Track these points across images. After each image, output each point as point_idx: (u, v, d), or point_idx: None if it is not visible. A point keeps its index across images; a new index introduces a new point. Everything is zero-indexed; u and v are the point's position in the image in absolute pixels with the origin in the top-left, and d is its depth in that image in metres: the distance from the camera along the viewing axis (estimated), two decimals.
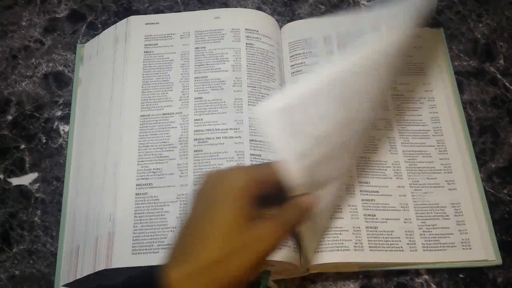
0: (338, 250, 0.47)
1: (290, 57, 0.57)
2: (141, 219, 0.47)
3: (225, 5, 0.62)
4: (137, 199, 0.48)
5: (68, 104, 0.56)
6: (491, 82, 0.59)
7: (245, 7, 0.62)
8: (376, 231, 0.49)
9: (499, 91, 0.58)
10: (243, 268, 0.32)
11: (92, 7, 0.63)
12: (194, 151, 0.50)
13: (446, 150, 0.53)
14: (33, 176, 0.53)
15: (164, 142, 0.51)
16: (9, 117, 0.56)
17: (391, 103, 0.56)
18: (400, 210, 0.50)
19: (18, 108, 0.56)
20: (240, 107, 0.52)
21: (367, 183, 0.51)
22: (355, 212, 0.49)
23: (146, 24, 0.58)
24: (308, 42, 0.57)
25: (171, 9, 0.62)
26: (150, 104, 0.53)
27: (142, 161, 0.50)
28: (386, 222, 0.49)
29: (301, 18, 0.62)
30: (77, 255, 0.48)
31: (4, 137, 0.55)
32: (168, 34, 0.57)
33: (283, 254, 0.45)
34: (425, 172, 0.52)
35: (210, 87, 0.53)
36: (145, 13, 0.61)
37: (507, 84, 0.59)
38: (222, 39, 0.56)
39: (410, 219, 0.50)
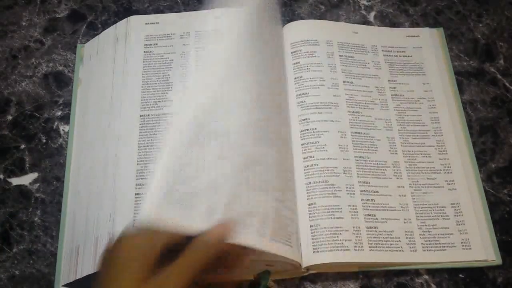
0: (338, 250, 0.47)
1: (292, 57, 0.57)
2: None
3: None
4: (137, 199, 0.48)
5: (68, 104, 0.57)
6: (491, 82, 0.59)
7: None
8: (376, 231, 0.49)
9: (499, 91, 0.58)
10: None
11: (92, 7, 0.63)
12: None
13: (446, 150, 0.53)
14: (33, 176, 0.53)
15: None
16: (9, 117, 0.56)
17: (390, 103, 0.56)
18: (400, 210, 0.50)
19: (18, 108, 0.56)
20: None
21: (367, 183, 0.51)
22: (355, 212, 0.49)
23: (146, 24, 0.58)
24: (309, 42, 0.57)
25: (171, 9, 0.62)
26: (150, 104, 0.53)
27: (142, 161, 0.50)
28: (386, 222, 0.49)
29: (301, 18, 0.62)
30: (77, 255, 0.48)
31: (4, 137, 0.55)
32: (168, 34, 0.57)
33: (289, 252, 0.45)
34: (425, 172, 0.52)
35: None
36: (145, 13, 0.61)
37: (507, 84, 0.59)
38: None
39: (410, 219, 0.50)
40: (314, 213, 0.49)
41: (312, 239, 0.48)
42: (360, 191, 0.50)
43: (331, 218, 0.49)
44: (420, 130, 0.54)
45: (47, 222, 0.51)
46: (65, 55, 0.59)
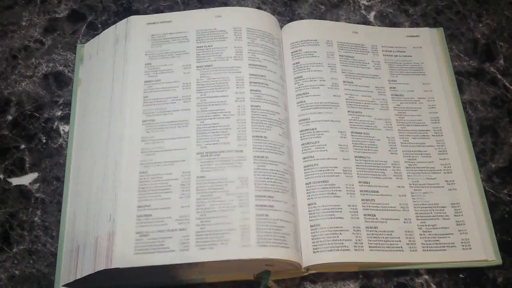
0: (338, 250, 0.47)
1: (292, 57, 0.57)
2: (143, 219, 0.47)
3: (225, 5, 0.63)
4: (137, 198, 0.48)
5: (68, 104, 0.57)
6: (491, 82, 0.59)
7: (245, 7, 0.62)
8: (376, 231, 0.49)
9: (499, 91, 0.58)
10: None
11: (92, 7, 0.63)
12: (197, 152, 0.50)
13: (446, 150, 0.53)
14: (33, 176, 0.53)
15: None
16: (9, 117, 0.56)
17: (390, 103, 0.56)
18: (400, 210, 0.50)
19: (18, 108, 0.56)
20: (243, 108, 0.52)
21: (367, 183, 0.51)
22: (355, 212, 0.49)
23: (146, 24, 0.57)
24: (309, 43, 0.57)
25: (171, 9, 0.62)
26: (150, 104, 0.53)
27: (142, 161, 0.50)
28: (386, 222, 0.49)
29: (301, 18, 0.62)
30: (77, 255, 0.48)
31: (4, 137, 0.55)
32: (168, 34, 0.57)
33: (283, 253, 0.45)
34: (425, 172, 0.52)
35: (213, 86, 0.53)
36: (145, 13, 0.61)
37: (507, 84, 0.59)
38: (224, 38, 0.56)
39: (410, 219, 0.50)
40: (314, 213, 0.49)
41: (312, 239, 0.48)
42: (360, 191, 0.50)
43: (331, 218, 0.49)
44: (420, 130, 0.54)
45: (47, 222, 0.51)
46: (65, 55, 0.59)
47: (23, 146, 0.55)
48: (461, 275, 0.49)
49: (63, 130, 0.55)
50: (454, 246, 0.49)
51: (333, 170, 0.51)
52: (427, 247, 0.48)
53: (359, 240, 0.48)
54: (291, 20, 0.61)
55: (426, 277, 0.49)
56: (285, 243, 0.46)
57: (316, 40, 0.58)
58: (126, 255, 0.46)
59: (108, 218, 0.48)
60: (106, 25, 0.61)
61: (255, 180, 0.49)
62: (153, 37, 0.57)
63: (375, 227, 0.49)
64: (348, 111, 0.54)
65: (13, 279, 0.49)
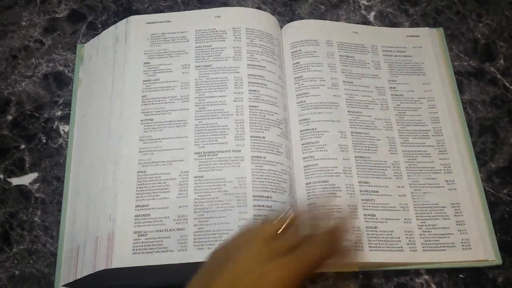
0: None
1: (292, 57, 0.57)
2: (141, 219, 0.47)
3: (225, 5, 0.62)
4: (137, 199, 0.48)
5: (68, 104, 0.57)
6: (491, 82, 0.59)
7: (245, 7, 0.62)
8: (376, 231, 0.49)
9: (499, 91, 0.58)
10: None
11: (92, 7, 0.63)
12: (195, 152, 0.50)
13: (446, 150, 0.53)
14: (33, 176, 0.53)
15: None
16: (9, 117, 0.56)
17: (390, 103, 0.56)
18: (400, 210, 0.50)
19: (18, 108, 0.56)
20: (241, 108, 0.52)
21: (367, 183, 0.51)
22: (355, 212, 0.49)
23: (146, 23, 0.58)
24: (309, 42, 0.57)
25: (171, 9, 0.62)
26: (150, 104, 0.53)
27: (142, 161, 0.50)
28: (386, 222, 0.49)
29: (301, 18, 0.62)
30: (77, 255, 0.48)
31: (4, 137, 0.55)
32: (168, 34, 0.57)
33: None
34: (425, 172, 0.52)
35: (211, 86, 0.53)
36: (145, 13, 0.61)
37: (507, 84, 0.59)
38: (223, 38, 0.56)
39: (410, 219, 0.50)
40: None
41: None
42: (360, 191, 0.50)
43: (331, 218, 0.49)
44: (420, 130, 0.54)
45: (47, 222, 0.51)
46: (65, 55, 0.59)
47: (23, 146, 0.55)
48: (461, 275, 0.49)
49: (63, 130, 0.55)
50: (454, 246, 0.49)
51: (333, 170, 0.51)
52: (427, 247, 0.48)
53: (359, 240, 0.48)
54: (291, 20, 0.61)
55: (426, 277, 0.49)
56: None
57: (316, 40, 0.58)
58: (125, 255, 0.46)
59: (108, 218, 0.48)
60: (106, 25, 0.61)
61: (253, 180, 0.49)
62: (152, 37, 0.57)
63: (375, 227, 0.49)
64: (348, 111, 0.54)
65: (13, 279, 0.49)
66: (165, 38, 0.57)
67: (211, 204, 0.48)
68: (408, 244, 0.48)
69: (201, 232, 0.47)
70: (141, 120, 0.52)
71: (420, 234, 0.49)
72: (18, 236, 0.50)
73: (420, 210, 0.50)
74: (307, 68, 0.56)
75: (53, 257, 0.49)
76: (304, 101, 0.54)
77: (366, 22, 0.62)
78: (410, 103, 0.56)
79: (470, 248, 0.49)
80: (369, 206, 0.50)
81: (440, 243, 0.49)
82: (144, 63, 0.55)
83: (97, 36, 0.59)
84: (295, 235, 0.38)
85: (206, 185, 0.49)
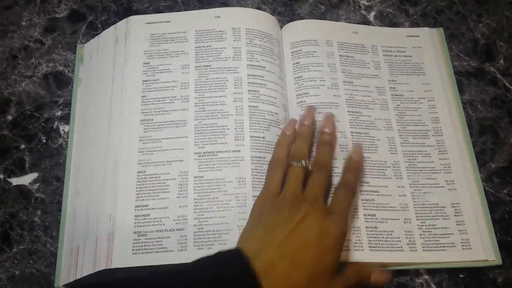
0: None
1: (292, 57, 0.57)
2: (141, 219, 0.47)
3: (225, 5, 0.62)
4: (137, 199, 0.48)
5: (68, 104, 0.57)
6: (491, 82, 0.59)
7: (245, 7, 0.62)
8: (376, 231, 0.49)
9: (499, 91, 0.58)
10: None
11: (92, 7, 0.63)
12: (194, 152, 0.50)
13: (446, 150, 0.53)
14: (33, 176, 0.53)
15: None
16: (9, 117, 0.56)
17: (390, 103, 0.56)
18: (400, 210, 0.50)
19: (18, 108, 0.56)
20: (240, 108, 0.52)
21: (367, 183, 0.51)
22: (355, 212, 0.49)
23: (146, 24, 0.58)
24: (309, 42, 0.57)
25: (171, 9, 0.62)
26: (150, 104, 0.53)
27: (142, 161, 0.50)
28: (386, 222, 0.49)
29: (301, 18, 0.62)
30: (77, 255, 0.48)
31: (4, 137, 0.55)
32: (168, 34, 0.57)
33: None
34: (425, 172, 0.52)
35: (211, 86, 0.53)
36: (145, 13, 0.61)
37: (507, 84, 0.59)
38: (223, 38, 0.56)
39: (410, 219, 0.50)
40: None
41: None
42: (360, 191, 0.50)
43: None
44: (420, 130, 0.54)
45: (47, 222, 0.51)
46: (65, 55, 0.59)
47: (23, 146, 0.55)
48: (461, 275, 0.49)
49: (63, 130, 0.55)
50: (454, 246, 0.49)
51: (333, 170, 0.51)
52: (427, 247, 0.48)
53: (359, 240, 0.48)
54: (291, 20, 0.61)
55: (426, 277, 0.49)
56: None
57: (316, 40, 0.58)
58: (125, 255, 0.46)
59: (108, 218, 0.48)
60: (106, 25, 0.61)
61: (253, 181, 0.49)
62: (152, 37, 0.57)
63: (375, 227, 0.49)
64: (348, 111, 0.54)
65: (13, 279, 0.49)
66: (165, 38, 0.57)
67: (211, 204, 0.48)
68: (408, 244, 0.48)
69: (201, 232, 0.47)
70: (141, 120, 0.52)
71: (420, 234, 0.49)
72: (18, 236, 0.50)
73: (420, 210, 0.50)
74: (307, 68, 0.56)
75: (53, 257, 0.49)
76: (304, 101, 0.54)
77: (366, 22, 0.62)
78: (410, 103, 0.56)
79: (470, 248, 0.49)
80: (369, 206, 0.50)
81: (440, 243, 0.49)
82: (144, 63, 0.55)
83: (97, 36, 0.59)
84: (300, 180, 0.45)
85: (206, 185, 0.49)
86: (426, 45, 0.59)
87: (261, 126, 0.51)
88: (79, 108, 0.56)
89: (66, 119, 0.56)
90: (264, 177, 0.49)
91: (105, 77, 0.55)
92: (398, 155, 0.53)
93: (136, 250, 0.46)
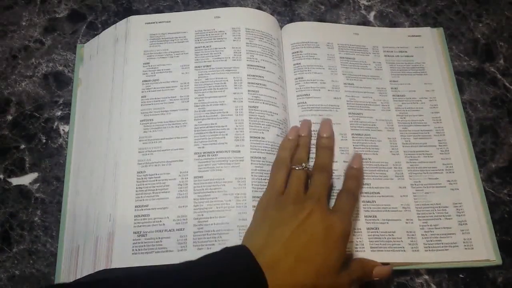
0: None
1: (292, 57, 0.57)
2: (140, 219, 0.47)
3: (225, 5, 0.62)
4: (137, 199, 0.48)
5: (68, 104, 0.56)
6: (491, 82, 0.59)
7: (245, 7, 0.62)
8: (377, 232, 0.49)
9: (499, 91, 0.58)
10: None
11: (92, 7, 0.63)
12: (194, 152, 0.50)
13: (448, 150, 0.53)
14: (33, 176, 0.53)
15: None
16: (9, 117, 0.56)
17: (392, 103, 0.56)
18: (401, 210, 0.50)
19: (18, 108, 0.56)
20: (240, 108, 0.52)
21: (368, 184, 0.51)
22: (356, 214, 0.49)
23: (146, 24, 0.58)
24: (309, 45, 0.57)
25: (171, 9, 0.62)
26: (150, 104, 0.53)
27: (142, 161, 0.50)
28: (387, 223, 0.49)
29: (301, 18, 0.62)
30: (77, 255, 0.48)
31: (4, 137, 0.55)
32: (168, 34, 0.57)
33: None
34: (426, 172, 0.52)
35: (211, 87, 0.53)
36: (145, 13, 0.61)
37: (507, 84, 0.59)
38: (223, 38, 0.56)
39: (411, 220, 0.50)
40: None
41: None
42: (361, 192, 0.50)
43: None
44: (422, 130, 0.54)
45: (47, 222, 0.51)
46: (65, 55, 0.59)
47: (23, 146, 0.54)
48: (461, 275, 0.49)
49: (63, 130, 0.55)
50: (457, 246, 0.48)
51: (334, 172, 0.51)
52: (429, 247, 0.48)
53: (360, 241, 0.48)
54: (291, 20, 0.61)
55: (426, 277, 0.49)
56: None
57: (316, 43, 0.58)
58: (125, 255, 0.46)
59: (108, 218, 0.48)
60: (106, 25, 0.61)
61: (252, 181, 0.49)
62: (152, 37, 0.57)
63: (376, 228, 0.49)
64: (349, 113, 0.54)
65: (13, 279, 0.49)
66: (165, 38, 0.56)
67: (211, 204, 0.48)
68: (410, 244, 0.48)
69: (201, 232, 0.47)
70: (141, 120, 0.52)
71: (422, 235, 0.49)
72: (18, 236, 0.50)
73: (422, 210, 0.50)
74: (308, 70, 0.56)
75: (53, 257, 0.49)
76: (305, 102, 0.54)
77: (366, 22, 0.62)
78: (412, 103, 0.56)
79: (472, 248, 0.48)
80: (370, 208, 0.50)
81: (442, 243, 0.49)
82: (144, 63, 0.55)
83: (97, 36, 0.59)
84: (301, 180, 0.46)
85: (205, 185, 0.49)
86: (427, 45, 0.59)
87: (261, 126, 0.51)
88: (79, 108, 0.56)
89: (66, 119, 0.56)
90: (264, 177, 0.49)
91: (105, 77, 0.55)
92: (400, 155, 0.53)
93: (136, 250, 0.46)
